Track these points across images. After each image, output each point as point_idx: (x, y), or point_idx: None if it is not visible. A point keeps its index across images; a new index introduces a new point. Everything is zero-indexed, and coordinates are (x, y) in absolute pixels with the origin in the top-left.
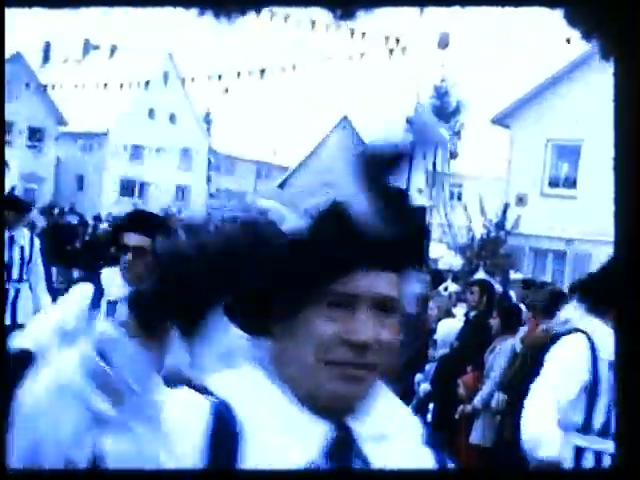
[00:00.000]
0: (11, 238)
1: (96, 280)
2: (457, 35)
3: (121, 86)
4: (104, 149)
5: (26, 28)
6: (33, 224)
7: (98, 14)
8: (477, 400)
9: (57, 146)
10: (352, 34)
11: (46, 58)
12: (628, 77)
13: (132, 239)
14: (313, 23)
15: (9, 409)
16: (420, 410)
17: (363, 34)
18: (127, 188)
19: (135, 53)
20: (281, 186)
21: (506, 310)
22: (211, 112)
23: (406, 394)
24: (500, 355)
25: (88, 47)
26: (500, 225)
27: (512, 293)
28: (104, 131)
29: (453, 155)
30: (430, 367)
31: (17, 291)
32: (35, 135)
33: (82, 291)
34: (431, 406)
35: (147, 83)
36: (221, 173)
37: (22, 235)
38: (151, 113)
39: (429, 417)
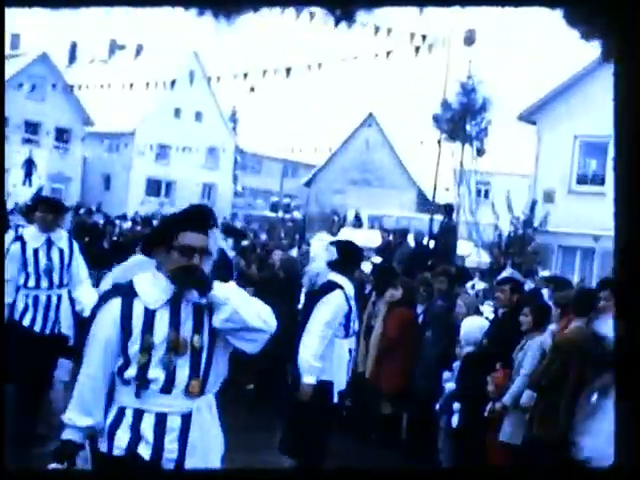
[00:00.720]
0: (49, 241)
1: (126, 290)
2: (484, 32)
3: (147, 86)
4: (130, 149)
5: (52, 28)
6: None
7: (123, 14)
8: (506, 398)
9: (84, 146)
10: (377, 31)
11: (72, 58)
12: (628, 77)
13: (196, 239)
14: (338, 21)
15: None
16: (446, 409)
17: (389, 31)
18: (153, 187)
19: (161, 53)
20: (308, 184)
21: (538, 308)
22: (237, 111)
23: (435, 392)
24: (529, 352)
25: (114, 47)
26: (528, 222)
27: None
28: (130, 131)
29: (480, 152)
30: (456, 365)
31: (59, 298)
32: (62, 135)
33: (111, 310)
34: (456, 405)
35: (173, 82)
36: (247, 171)
37: (60, 237)
38: (177, 112)
39: (455, 416)
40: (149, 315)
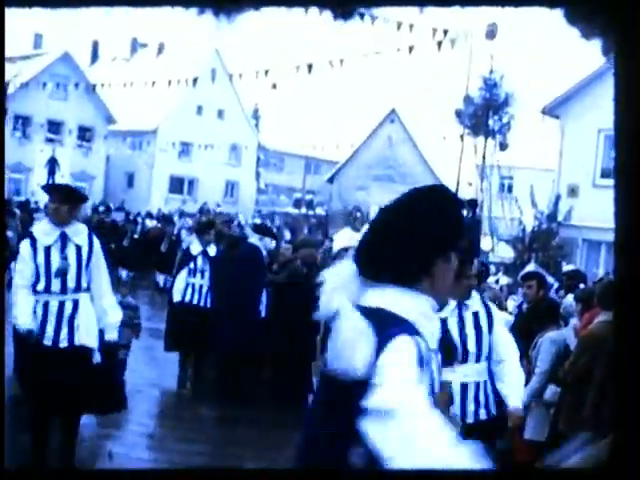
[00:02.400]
0: (64, 236)
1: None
2: (506, 26)
3: (169, 83)
4: (153, 146)
5: (74, 28)
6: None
7: (144, 13)
8: (526, 393)
9: (106, 144)
10: (399, 27)
11: (95, 57)
12: (628, 76)
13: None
14: (361, 16)
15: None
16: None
17: (411, 27)
18: (176, 185)
19: (182, 50)
20: (330, 180)
21: (547, 304)
22: (259, 108)
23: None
24: (542, 349)
25: (136, 45)
26: (552, 217)
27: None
28: (153, 129)
29: (503, 147)
30: None
31: (75, 304)
32: (85, 134)
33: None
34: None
35: (195, 80)
36: (270, 168)
37: (78, 231)
38: (199, 110)
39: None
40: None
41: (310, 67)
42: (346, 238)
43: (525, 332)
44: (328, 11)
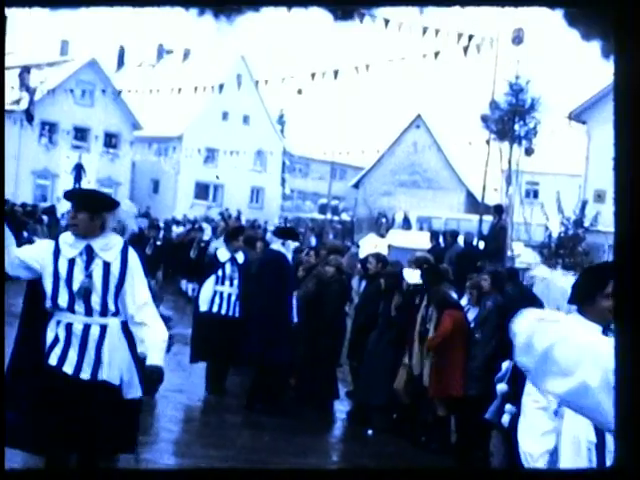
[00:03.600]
0: (89, 250)
1: None
2: (532, 31)
3: (195, 89)
4: (179, 152)
5: (100, 34)
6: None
7: (170, 18)
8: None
9: (132, 151)
10: (424, 32)
11: (120, 64)
12: (628, 77)
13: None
14: (386, 22)
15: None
16: (497, 411)
17: (437, 32)
18: (202, 191)
19: (208, 56)
20: (356, 186)
21: None
22: (285, 113)
23: (486, 394)
24: None
25: (162, 51)
26: (578, 222)
27: None
28: (178, 135)
29: (529, 152)
30: (507, 366)
31: (102, 330)
32: (111, 140)
33: None
34: (509, 407)
35: (221, 86)
36: (295, 174)
37: (107, 245)
38: (225, 116)
39: (506, 418)
40: None
41: (336, 73)
42: (372, 244)
43: None
44: (329, 12)
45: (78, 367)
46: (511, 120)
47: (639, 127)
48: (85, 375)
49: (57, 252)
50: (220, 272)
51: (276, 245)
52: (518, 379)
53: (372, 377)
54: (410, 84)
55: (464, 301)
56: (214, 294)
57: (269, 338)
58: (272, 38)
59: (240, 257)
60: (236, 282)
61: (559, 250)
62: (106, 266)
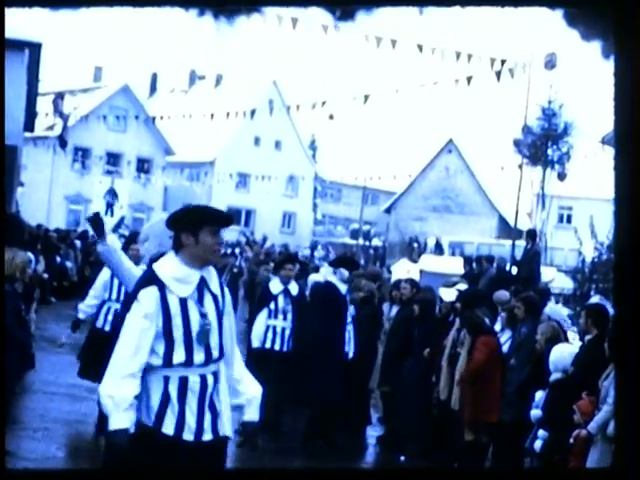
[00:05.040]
0: (202, 282)
1: None
2: (565, 55)
3: (227, 115)
4: (211, 177)
5: (133, 60)
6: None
7: (203, 44)
8: (592, 426)
9: (165, 176)
10: (458, 57)
11: (153, 89)
12: (628, 76)
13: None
14: (420, 48)
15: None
16: (532, 436)
17: (469, 57)
18: (234, 216)
19: (240, 82)
20: (388, 211)
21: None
22: (316, 139)
23: (519, 420)
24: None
25: (194, 77)
26: (612, 247)
27: None
28: (211, 160)
29: (562, 177)
30: (541, 393)
31: (216, 377)
32: (143, 165)
33: None
34: (542, 433)
35: (253, 112)
36: (327, 199)
37: (211, 274)
38: (257, 141)
39: (538, 444)
40: None
41: (367, 97)
42: (404, 269)
43: (593, 363)
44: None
45: (199, 430)
46: (544, 145)
47: (639, 127)
48: (207, 436)
49: (162, 290)
50: (272, 305)
51: (318, 276)
52: (552, 405)
53: (407, 404)
54: (442, 109)
55: (498, 326)
56: (267, 329)
57: (321, 377)
58: (304, 63)
59: (294, 288)
60: (290, 315)
61: (592, 275)
62: (215, 300)
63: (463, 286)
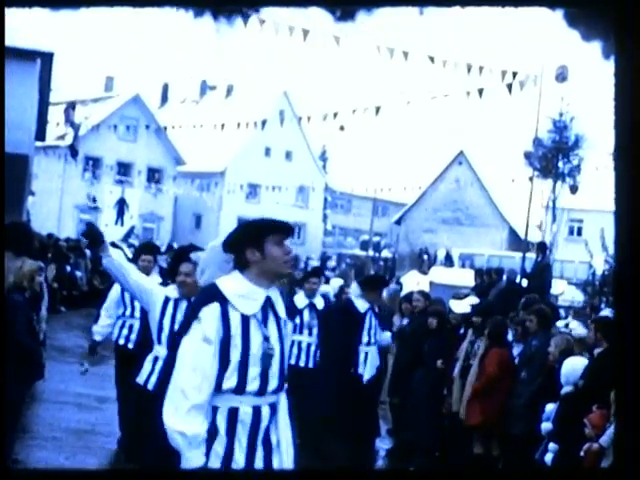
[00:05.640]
0: (268, 302)
1: None
2: (576, 68)
3: (238, 125)
4: (221, 188)
5: (144, 70)
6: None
7: (214, 55)
8: (603, 439)
9: (175, 186)
10: (469, 70)
11: (164, 99)
12: (628, 76)
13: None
14: (432, 59)
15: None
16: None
17: (481, 69)
18: None
19: (251, 93)
20: (398, 223)
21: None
22: (327, 149)
23: (529, 432)
24: None
25: (205, 88)
26: None
27: None
28: (221, 170)
29: (573, 190)
30: (552, 406)
31: (273, 410)
32: (154, 175)
33: None
34: (552, 446)
35: (263, 122)
36: (337, 210)
37: (276, 292)
38: (267, 151)
39: (549, 456)
40: None
41: (378, 109)
42: (414, 281)
43: (603, 376)
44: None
45: (249, 465)
46: (555, 157)
47: (639, 126)
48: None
49: (225, 311)
50: (298, 320)
51: (328, 287)
52: (563, 418)
53: (417, 416)
54: (453, 120)
55: (509, 337)
56: (292, 344)
57: (316, 393)
58: (315, 74)
59: (319, 303)
60: (315, 331)
61: (603, 288)
62: (278, 323)
63: (473, 299)
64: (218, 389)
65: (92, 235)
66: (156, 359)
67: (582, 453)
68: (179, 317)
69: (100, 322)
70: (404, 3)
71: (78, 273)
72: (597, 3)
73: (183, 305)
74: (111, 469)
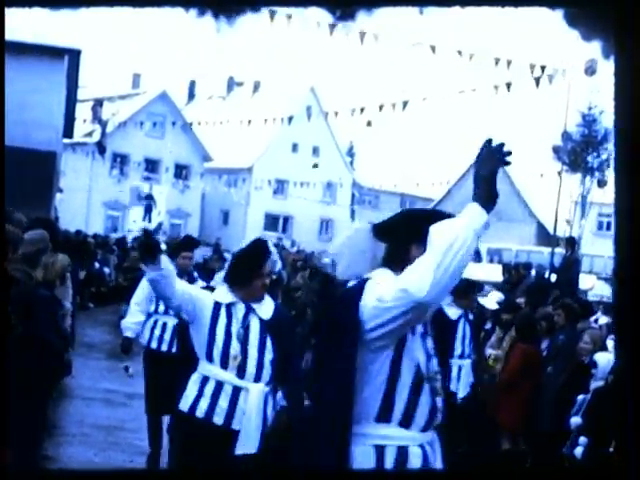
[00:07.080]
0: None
1: None
2: (605, 61)
3: (265, 121)
4: (248, 184)
5: (171, 67)
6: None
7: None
8: None
9: (202, 182)
10: (497, 63)
11: (191, 96)
12: (628, 76)
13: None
14: (460, 53)
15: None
16: (571, 443)
17: (509, 63)
18: (271, 222)
19: (278, 88)
20: None
21: None
22: (354, 145)
23: (558, 425)
24: None
25: (232, 84)
26: None
27: None
28: (248, 166)
29: (602, 184)
30: (582, 400)
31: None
32: (181, 172)
33: None
34: (582, 439)
35: (290, 118)
36: (365, 206)
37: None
38: (294, 147)
39: (579, 450)
40: None
41: (405, 104)
42: None
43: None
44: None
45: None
46: (584, 151)
47: (639, 126)
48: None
49: None
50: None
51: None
52: (593, 412)
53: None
54: (481, 115)
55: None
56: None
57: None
58: (343, 70)
59: None
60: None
61: None
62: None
63: (498, 295)
64: None
65: (148, 246)
66: (205, 380)
67: (611, 449)
68: (235, 327)
69: (130, 317)
70: (404, 3)
71: (106, 270)
72: (597, 3)
73: (239, 311)
74: (114, 469)
